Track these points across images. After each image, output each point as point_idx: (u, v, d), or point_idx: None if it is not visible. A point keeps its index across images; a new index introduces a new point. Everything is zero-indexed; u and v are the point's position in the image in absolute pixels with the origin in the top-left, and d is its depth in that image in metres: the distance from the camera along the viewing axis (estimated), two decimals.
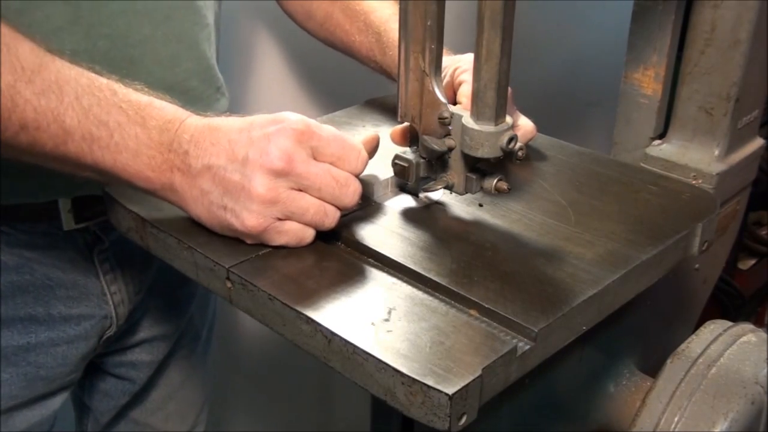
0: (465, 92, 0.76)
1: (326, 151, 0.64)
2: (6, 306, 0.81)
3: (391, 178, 0.73)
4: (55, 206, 0.80)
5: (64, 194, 0.80)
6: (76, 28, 0.73)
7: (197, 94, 0.84)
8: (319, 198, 0.64)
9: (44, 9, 0.71)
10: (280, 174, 0.62)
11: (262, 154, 0.62)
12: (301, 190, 0.63)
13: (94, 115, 0.62)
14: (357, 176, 0.65)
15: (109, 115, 0.63)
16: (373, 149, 0.69)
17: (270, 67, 1.21)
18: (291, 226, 0.64)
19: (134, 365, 0.98)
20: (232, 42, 1.12)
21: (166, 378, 1.03)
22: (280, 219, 0.63)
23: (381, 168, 0.73)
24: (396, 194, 0.74)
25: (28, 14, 0.70)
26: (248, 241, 0.65)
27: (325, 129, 0.64)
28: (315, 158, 0.63)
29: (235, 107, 0.90)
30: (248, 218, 0.63)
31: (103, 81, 0.64)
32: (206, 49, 0.85)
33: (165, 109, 0.65)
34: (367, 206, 0.71)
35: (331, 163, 0.64)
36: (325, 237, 0.67)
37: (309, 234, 0.65)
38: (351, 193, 0.64)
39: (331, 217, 0.65)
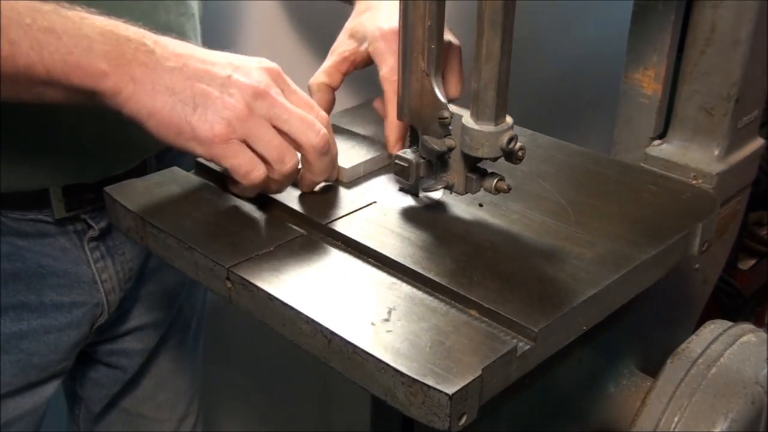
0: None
1: (292, 98, 0.67)
2: None
3: (365, 162, 0.77)
4: (46, 194, 0.81)
5: (54, 182, 0.80)
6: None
7: None
8: (287, 132, 0.66)
9: None
10: (258, 96, 0.64)
11: (245, 75, 0.65)
12: (270, 122, 0.65)
13: (39, 26, 0.61)
14: None
15: (54, 23, 0.61)
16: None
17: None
18: (247, 151, 0.65)
19: (125, 353, 0.99)
20: (219, 33, 1.12)
21: (157, 367, 1.04)
22: (242, 141, 0.65)
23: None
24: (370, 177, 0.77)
25: None
26: (198, 150, 0.65)
27: (293, 83, 0.69)
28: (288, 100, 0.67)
29: None
30: (218, 124, 0.63)
31: (43, 1, 0.63)
32: (192, 38, 0.86)
33: (115, 20, 0.65)
34: (332, 186, 0.74)
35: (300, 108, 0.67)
36: (326, 237, 0.67)
37: (260, 170, 0.66)
38: (317, 131, 0.66)
39: (288, 165, 0.66)
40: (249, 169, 0.65)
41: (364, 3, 0.83)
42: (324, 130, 0.67)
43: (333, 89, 0.82)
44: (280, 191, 0.71)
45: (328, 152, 0.68)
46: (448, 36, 0.75)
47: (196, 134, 0.64)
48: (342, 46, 0.82)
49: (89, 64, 0.62)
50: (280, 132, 0.66)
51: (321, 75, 0.82)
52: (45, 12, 0.61)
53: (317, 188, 0.73)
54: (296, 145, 0.67)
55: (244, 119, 0.64)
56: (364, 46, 0.79)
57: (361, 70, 0.94)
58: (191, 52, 0.66)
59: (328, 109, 0.83)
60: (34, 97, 0.63)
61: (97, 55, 0.62)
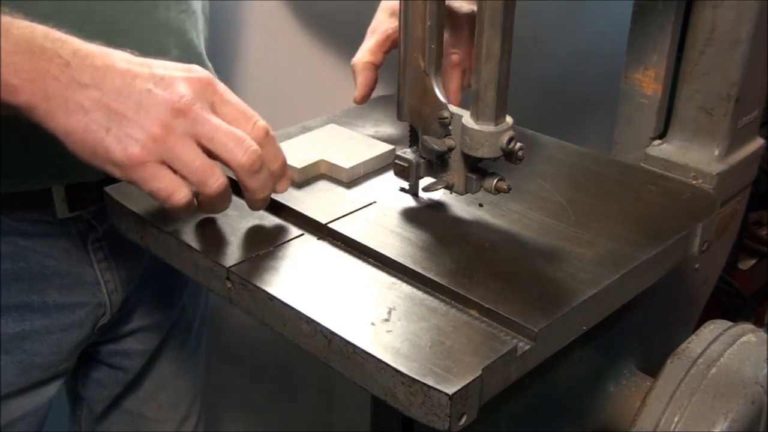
0: None
1: (224, 109, 0.62)
2: (1, 294, 0.81)
3: (365, 162, 0.77)
4: (48, 194, 0.81)
5: (57, 181, 0.80)
6: (63, 14, 0.73)
7: None
8: (212, 149, 0.60)
9: None
10: (178, 113, 0.59)
11: (165, 89, 0.60)
12: (194, 140, 0.60)
13: None
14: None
15: None
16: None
17: (263, 60, 1.21)
18: (168, 173, 0.60)
19: (127, 354, 0.99)
20: (224, 31, 1.12)
21: (158, 368, 1.03)
22: (161, 162, 0.60)
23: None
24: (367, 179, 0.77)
25: (14, 1, 0.70)
26: (116, 174, 0.60)
27: (227, 91, 0.63)
28: (215, 112, 0.62)
29: None
30: (133, 146, 0.59)
31: None
32: (194, 37, 0.86)
33: (37, 27, 0.60)
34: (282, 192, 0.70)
35: (227, 123, 0.62)
36: (326, 237, 0.67)
37: (183, 192, 0.60)
38: (245, 148, 0.61)
39: (215, 179, 0.61)
40: (169, 193, 0.60)
41: None
42: (254, 147, 0.61)
43: (377, 67, 0.82)
44: (217, 211, 0.67)
45: (261, 169, 0.63)
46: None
47: (111, 157, 0.59)
48: (383, 25, 0.82)
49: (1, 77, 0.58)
50: (206, 150, 0.61)
51: (365, 54, 0.81)
52: None
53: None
54: (223, 162, 0.62)
55: (162, 140, 0.59)
56: None
57: None
58: (112, 62, 0.60)
59: (371, 88, 0.83)
60: None
61: (6, 67, 0.58)
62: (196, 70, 0.62)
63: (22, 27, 0.60)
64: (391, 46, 0.82)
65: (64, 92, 0.59)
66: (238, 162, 0.61)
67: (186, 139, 0.60)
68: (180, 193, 0.60)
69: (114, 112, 0.59)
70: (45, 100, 0.59)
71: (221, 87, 0.63)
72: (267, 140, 0.64)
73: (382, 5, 0.85)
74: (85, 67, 0.59)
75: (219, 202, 0.64)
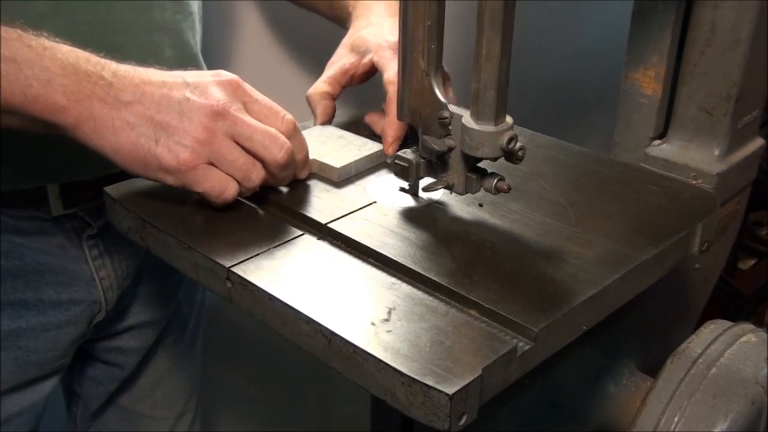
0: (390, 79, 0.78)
1: (254, 108, 0.67)
2: None
3: (356, 161, 0.77)
4: (43, 192, 0.81)
5: (52, 180, 0.80)
6: (58, 14, 0.73)
7: None
8: (250, 148, 0.65)
9: None
10: (218, 116, 0.64)
11: (201, 95, 0.64)
12: (233, 139, 0.65)
13: (1, 54, 0.61)
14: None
15: (16, 53, 0.61)
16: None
17: (261, 60, 1.21)
18: (217, 173, 0.65)
19: (123, 351, 0.99)
20: (218, 31, 1.12)
21: (154, 365, 1.04)
22: (209, 163, 0.65)
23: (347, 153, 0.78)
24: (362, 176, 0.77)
25: (10, 1, 0.70)
26: (168, 180, 0.65)
27: (254, 90, 0.68)
28: (249, 112, 0.66)
29: None
30: (183, 152, 0.63)
31: (9, 28, 0.63)
32: (190, 38, 0.86)
33: (80, 51, 0.65)
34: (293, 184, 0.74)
35: (258, 120, 0.66)
36: (326, 237, 0.67)
37: (232, 187, 0.66)
38: (280, 146, 0.66)
39: (255, 181, 0.66)
40: (221, 190, 0.66)
41: (363, 21, 0.85)
42: (287, 144, 0.67)
43: (334, 98, 0.83)
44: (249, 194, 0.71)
45: (291, 164, 0.69)
46: None
47: (163, 165, 0.64)
48: (342, 60, 0.84)
49: (48, 97, 0.62)
50: (244, 148, 0.66)
51: (322, 84, 0.83)
52: (8, 40, 0.61)
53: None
54: (260, 160, 0.67)
55: (208, 143, 0.64)
56: (367, 58, 0.81)
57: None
58: (148, 78, 0.65)
59: (330, 117, 0.84)
60: None
61: (56, 89, 0.62)
62: (224, 74, 0.67)
63: (67, 52, 0.64)
64: (349, 82, 0.84)
65: (110, 111, 0.63)
66: (275, 159, 0.66)
67: (227, 140, 0.65)
68: (230, 190, 0.66)
69: (159, 124, 0.63)
70: (92, 119, 0.63)
71: (248, 87, 0.68)
72: (294, 132, 0.69)
73: (344, 41, 0.86)
74: (126, 85, 0.64)
75: (253, 191, 0.69)
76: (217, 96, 0.65)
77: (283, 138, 0.67)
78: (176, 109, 0.63)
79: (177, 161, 0.63)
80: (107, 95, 0.63)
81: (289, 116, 0.69)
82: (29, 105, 0.62)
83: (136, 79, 0.64)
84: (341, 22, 0.91)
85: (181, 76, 0.66)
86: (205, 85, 0.65)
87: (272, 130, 0.66)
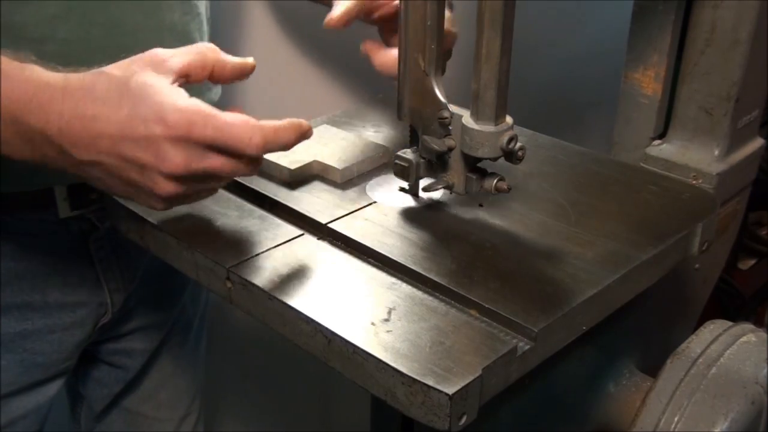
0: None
1: (218, 143, 0.59)
2: (3, 293, 0.82)
3: (358, 163, 0.77)
4: (50, 194, 0.81)
5: (59, 182, 0.80)
6: (71, 16, 0.73)
7: (188, 85, 0.84)
8: (224, 177, 0.62)
9: None
10: (180, 177, 0.59)
11: (157, 158, 0.58)
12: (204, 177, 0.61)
13: None
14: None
15: None
16: (296, 135, 0.63)
17: (266, 61, 1.21)
18: (204, 188, 0.64)
19: (128, 353, 0.99)
20: (222, 32, 1.12)
21: (158, 366, 1.04)
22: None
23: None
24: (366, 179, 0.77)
25: (23, 2, 0.70)
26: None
27: (211, 119, 0.58)
28: (209, 149, 0.59)
29: (228, 97, 0.91)
30: (158, 204, 0.62)
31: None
32: (197, 39, 0.86)
33: (15, 95, 0.59)
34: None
35: (224, 151, 0.59)
36: (326, 237, 0.67)
37: (221, 185, 0.66)
38: (249, 170, 0.61)
39: (242, 171, 0.61)
40: (213, 193, 0.66)
41: None
42: (249, 168, 0.61)
43: (358, 12, 0.77)
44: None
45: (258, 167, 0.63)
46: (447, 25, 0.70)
47: (149, 206, 0.63)
48: None
49: (14, 155, 0.62)
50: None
51: None
52: None
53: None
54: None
55: (178, 198, 0.62)
56: None
57: (362, 70, 0.94)
58: (96, 131, 0.59)
59: (352, 17, 0.76)
60: None
61: (14, 151, 0.62)
62: (167, 119, 0.58)
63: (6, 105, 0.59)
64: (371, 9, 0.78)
65: (77, 171, 0.61)
66: (243, 173, 0.61)
67: (197, 186, 0.62)
68: (220, 186, 0.65)
69: (126, 181, 0.61)
70: (79, 177, 0.62)
71: (203, 120, 0.59)
72: (269, 145, 0.61)
73: None
74: (79, 149, 0.59)
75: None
76: (174, 159, 0.58)
77: (243, 166, 0.60)
78: (137, 170, 0.60)
79: (159, 207, 0.63)
80: (63, 160, 0.61)
81: (255, 139, 0.59)
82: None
83: (85, 138, 0.59)
84: None
85: (128, 124, 0.58)
86: (156, 144, 0.58)
87: (237, 163, 0.60)
